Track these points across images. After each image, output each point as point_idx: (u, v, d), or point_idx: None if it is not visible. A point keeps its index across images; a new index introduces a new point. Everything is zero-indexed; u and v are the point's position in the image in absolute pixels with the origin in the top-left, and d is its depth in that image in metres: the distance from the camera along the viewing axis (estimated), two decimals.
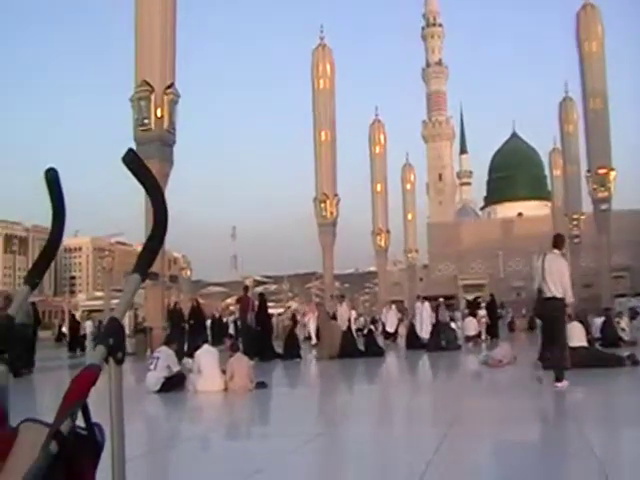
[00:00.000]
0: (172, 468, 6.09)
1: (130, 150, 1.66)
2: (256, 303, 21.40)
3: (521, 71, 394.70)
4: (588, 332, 15.74)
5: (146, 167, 1.68)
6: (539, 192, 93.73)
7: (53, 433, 1.35)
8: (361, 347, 20.64)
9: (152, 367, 11.48)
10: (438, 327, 22.72)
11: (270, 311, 25.41)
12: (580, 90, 42.82)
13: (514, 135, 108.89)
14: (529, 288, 72.24)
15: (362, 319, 41.16)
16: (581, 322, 14.41)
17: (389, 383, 14.54)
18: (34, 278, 1.85)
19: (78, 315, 52.43)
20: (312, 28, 41.24)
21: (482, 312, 27.59)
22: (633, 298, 44.55)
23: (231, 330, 30.18)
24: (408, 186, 67.32)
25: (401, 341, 26.46)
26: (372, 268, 74.83)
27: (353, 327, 23.64)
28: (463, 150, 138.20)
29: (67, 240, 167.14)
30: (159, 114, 24.58)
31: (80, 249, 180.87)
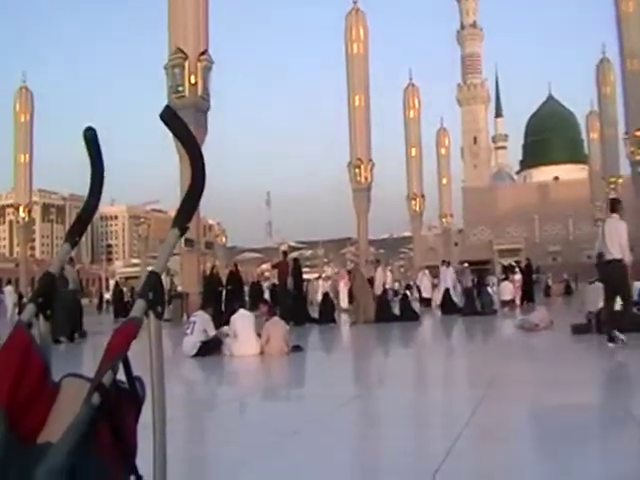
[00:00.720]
0: (210, 429, 6.17)
1: (167, 107, 1.67)
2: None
3: (557, 33, 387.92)
4: None
5: (183, 123, 1.68)
6: (575, 155, 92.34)
7: (95, 385, 1.36)
8: (396, 312, 20.65)
9: (189, 332, 11.59)
10: (471, 292, 22.62)
11: (305, 277, 25.53)
12: (618, 51, 41.90)
13: (550, 98, 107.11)
14: (565, 252, 71.76)
15: (397, 284, 41.16)
16: None
17: (424, 347, 14.56)
18: (74, 236, 1.86)
19: (116, 280, 53.05)
20: None
21: (518, 276, 27.35)
22: None
23: (266, 295, 30.40)
24: (443, 150, 66.76)
25: (436, 306, 26.39)
26: (407, 233, 74.67)
27: (389, 292, 23.67)
28: (498, 113, 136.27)
29: (103, 208, 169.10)
30: (193, 81, 24.62)
31: (116, 217, 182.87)
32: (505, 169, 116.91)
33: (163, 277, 1.64)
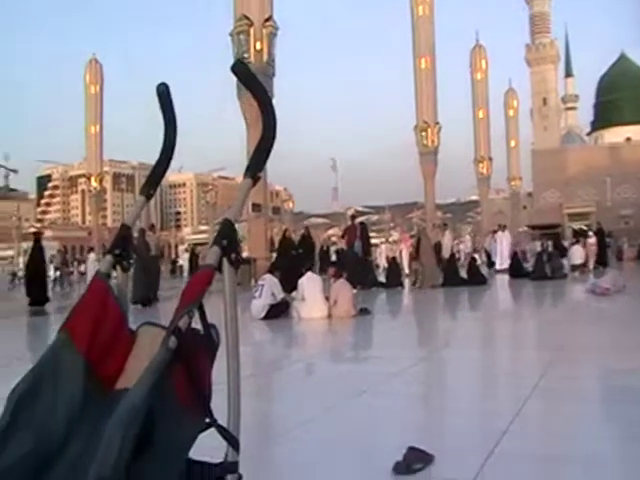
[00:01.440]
0: (278, 389, 6.28)
1: (239, 60, 1.70)
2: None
3: None
4: None
5: (253, 75, 1.72)
6: None
7: (172, 329, 1.40)
8: (464, 276, 20.49)
9: (257, 295, 11.74)
10: (541, 255, 22.24)
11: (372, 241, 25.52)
12: None
13: (622, 56, 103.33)
14: (638, 216, 69.76)
15: (464, 248, 40.74)
16: None
17: (492, 310, 14.42)
18: (149, 188, 1.90)
19: (183, 248, 53.93)
20: None
21: (592, 240, 26.71)
22: None
23: (333, 260, 30.47)
24: (511, 112, 65.52)
25: (503, 270, 26.05)
26: (474, 197, 73.78)
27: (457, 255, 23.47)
28: (568, 73, 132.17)
29: (171, 176, 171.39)
30: (258, 47, 24.67)
31: (184, 185, 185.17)
32: (575, 130, 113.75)
33: None
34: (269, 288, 11.73)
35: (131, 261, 1.85)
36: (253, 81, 1.68)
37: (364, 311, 11.83)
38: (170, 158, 1.91)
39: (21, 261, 51.72)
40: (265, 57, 24.79)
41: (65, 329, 1.66)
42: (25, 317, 15.58)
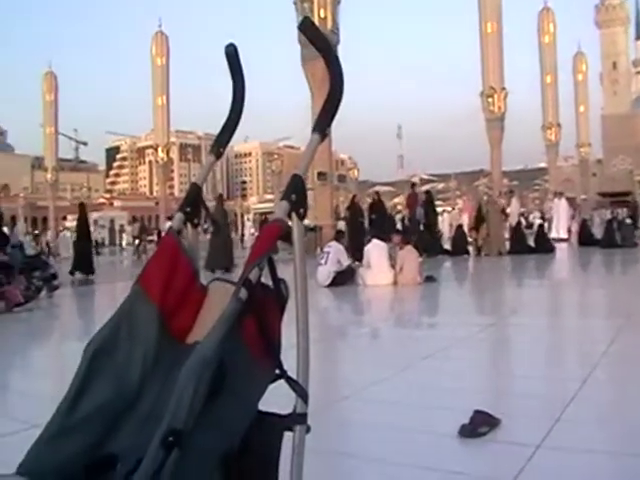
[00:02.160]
0: (346, 353, 6.32)
1: (306, 18, 1.70)
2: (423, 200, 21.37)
3: None
4: None
5: (320, 32, 1.71)
6: None
7: (243, 281, 1.42)
8: (531, 243, 20.17)
9: (323, 262, 11.78)
10: (611, 223, 21.71)
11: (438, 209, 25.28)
12: None
13: None
14: None
15: (532, 215, 40.10)
16: None
17: (560, 278, 14.18)
18: (218, 147, 1.92)
19: (250, 217, 54.40)
20: None
21: None
22: None
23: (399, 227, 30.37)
24: (580, 76, 63.65)
25: (573, 238, 25.54)
26: (542, 164, 72.10)
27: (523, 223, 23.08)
28: (639, 36, 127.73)
29: (237, 146, 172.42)
30: (322, 15, 24.52)
31: (250, 154, 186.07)
32: None
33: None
34: (335, 255, 11.77)
35: (206, 224, 1.89)
36: (320, 38, 1.68)
37: (430, 278, 11.79)
38: (239, 118, 1.92)
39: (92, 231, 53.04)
40: (329, 25, 24.63)
41: (139, 283, 1.70)
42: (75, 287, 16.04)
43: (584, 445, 3.19)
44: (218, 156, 1.94)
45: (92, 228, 54.12)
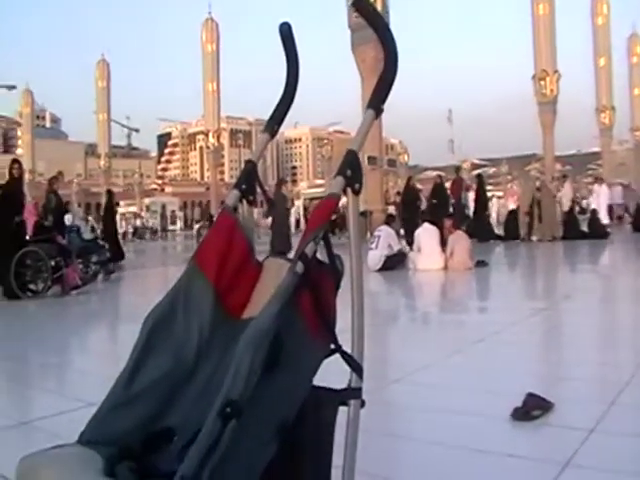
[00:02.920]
0: (398, 336, 6.31)
1: None
2: (473, 186, 21.11)
3: None
4: None
5: (374, 8, 1.71)
6: None
7: (299, 254, 1.42)
8: (584, 228, 19.83)
9: (373, 246, 11.77)
10: None
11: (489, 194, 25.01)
12: None
13: None
14: None
15: (585, 201, 39.38)
16: None
17: (614, 264, 13.92)
18: (272, 126, 1.92)
19: (300, 203, 54.49)
20: None
21: None
22: None
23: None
24: (634, 59, 62.02)
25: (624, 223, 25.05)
26: (595, 148, 70.72)
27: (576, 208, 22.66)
28: None
29: (287, 131, 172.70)
30: None
31: (300, 139, 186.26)
32: None
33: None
34: (385, 239, 11.74)
35: (264, 203, 1.90)
36: (373, 15, 1.68)
37: (481, 263, 11.68)
38: (293, 96, 1.93)
39: (144, 216, 53.81)
40: (379, 7, 24.49)
41: (195, 259, 1.72)
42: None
43: (639, 429, 3.15)
44: (272, 135, 1.94)
45: (144, 214, 55.11)
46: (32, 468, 1.32)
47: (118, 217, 55.81)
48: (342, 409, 1.54)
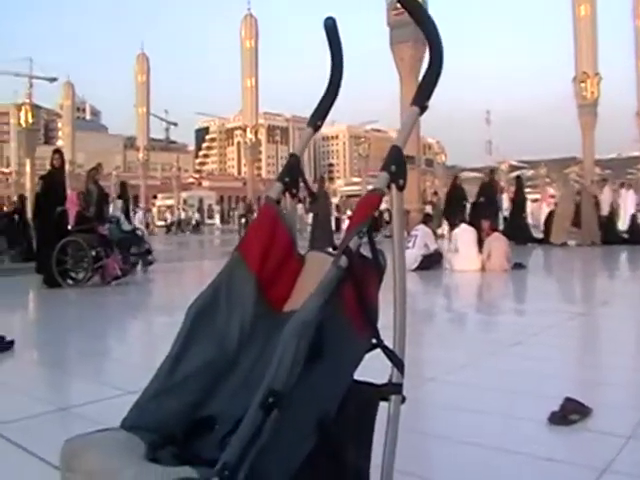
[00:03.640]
0: (433, 336, 6.27)
1: None
2: (511, 188, 20.86)
3: None
4: None
5: (419, 3, 1.70)
6: None
7: (343, 248, 1.42)
8: (625, 234, 19.51)
9: (410, 245, 11.71)
10: None
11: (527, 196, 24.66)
12: None
13: None
14: None
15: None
16: None
17: None
18: (316, 120, 1.93)
19: (337, 200, 54.53)
20: None
21: None
22: None
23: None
24: None
25: None
26: (636, 153, 69.56)
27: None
28: None
29: (324, 129, 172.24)
30: None
31: (337, 137, 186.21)
32: None
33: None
34: (422, 239, 11.70)
35: (308, 200, 1.90)
36: (419, 9, 1.66)
37: (518, 265, 11.58)
38: (337, 91, 1.93)
39: (181, 209, 54.23)
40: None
41: (238, 250, 1.73)
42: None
43: None
44: (316, 129, 1.95)
45: (181, 207, 55.51)
46: (76, 450, 1.33)
47: (155, 210, 56.24)
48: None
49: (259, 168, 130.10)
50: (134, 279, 11.61)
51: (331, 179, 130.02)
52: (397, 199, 1.58)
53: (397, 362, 1.54)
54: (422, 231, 11.91)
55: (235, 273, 1.70)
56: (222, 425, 1.52)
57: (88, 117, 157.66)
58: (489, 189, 19.02)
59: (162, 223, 53.54)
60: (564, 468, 2.77)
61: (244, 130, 52.41)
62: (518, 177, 22.13)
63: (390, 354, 1.52)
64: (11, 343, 5.48)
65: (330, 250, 1.69)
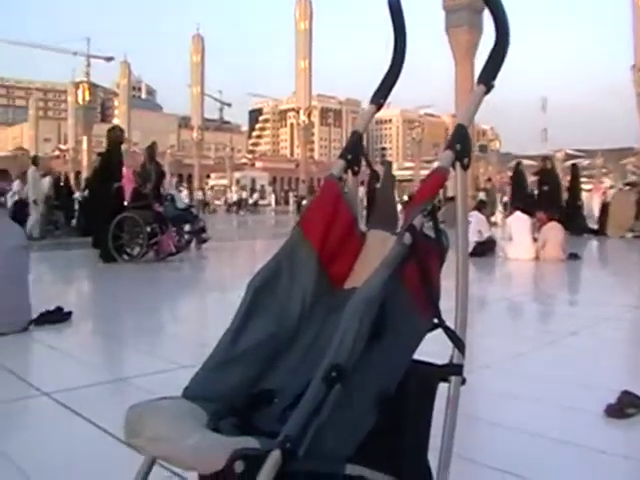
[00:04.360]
0: (487, 324, 6.20)
1: None
2: (567, 177, 20.46)
3: None
4: None
5: None
6: None
7: (407, 226, 1.41)
8: None
9: None
10: None
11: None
12: None
13: None
14: None
15: None
16: None
17: None
18: (379, 97, 1.91)
19: None
20: None
21: None
22: None
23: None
24: None
25: None
26: None
27: None
28: None
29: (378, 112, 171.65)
30: None
31: (390, 121, 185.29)
32: None
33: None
34: (476, 225, 11.56)
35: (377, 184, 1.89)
36: None
37: (573, 256, 11.38)
38: (400, 70, 1.90)
39: (233, 190, 54.55)
40: None
41: (300, 226, 1.73)
42: None
43: None
44: (379, 107, 1.93)
45: (233, 187, 55.87)
46: (140, 416, 1.35)
47: (208, 189, 56.65)
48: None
49: (312, 150, 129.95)
50: (188, 256, 11.76)
51: (389, 163, 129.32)
52: (461, 178, 1.56)
53: (458, 343, 1.52)
54: (476, 217, 11.77)
55: (297, 249, 1.70)
56: (281, 399, 1.53)
57: (144, 96, 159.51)
58: (551, 177, 18.55)
59: (218, 202, 53.96)
60: (619, 462, 2.73)
61: (297, 112, 52.60)
62: (574, 165, 21.70)
63: (452, 334, 1.51)
64: (69, 314, 5.60)
65: (392, 230, 1.68)
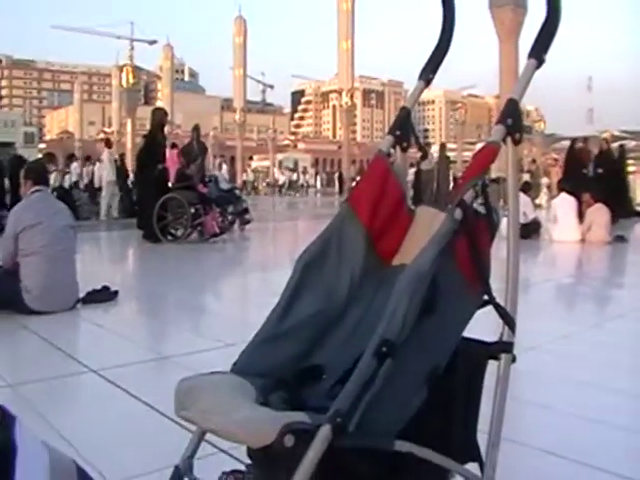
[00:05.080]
0: (533, 305, 6.13)
1: None
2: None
3: None
4: None
5: None
6: None
7: (458, 201, 1.39)
8: None
9: (507, 213, 11.47)
10: None
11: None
12: None
13: None
14: None
15: None
16: None
17: None
18: (428, 73, 1.89)
19: (430, 166, 53.87)
20: None
21: None
22: None
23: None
24: None
25: None
26: None
27: None
28: None
29: None
30: None
31: (433, 102, 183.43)
32: None
33: None
34: (521, 207, 11.37)
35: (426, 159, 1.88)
36: None
37: (620, 238, 11.18)
38: (448, 47, 1.88)
39: (276, 172, 54.59)
40: None
41: (348, 202, 1.73)
42: None
43: None
44: (427, 82, 1.92)
45: (276, 169, 55.99)
46: (191, 389, 1.37)
47: (250, 171, 56.78)
48: None
49: (354, 132, 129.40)
50: (231, 237, 11.83)
51: (427, 144, 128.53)
52: (513, 153, 1.54)
53: (509, 320, 1.51)
54: (521, 199, 11.60)
55: (345, 225, 1.70)
56: (329, 375, 1.53)
57: (186, 78, 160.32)
58: (607, 157, 18.00)
59: (263, 184, 54.07)
60: None
61: (339, 93, 52.30)
62: (621, 146, 21.16)
63: (502, 311, 1.49)
64: (115, 293, 5.68)
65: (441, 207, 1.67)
